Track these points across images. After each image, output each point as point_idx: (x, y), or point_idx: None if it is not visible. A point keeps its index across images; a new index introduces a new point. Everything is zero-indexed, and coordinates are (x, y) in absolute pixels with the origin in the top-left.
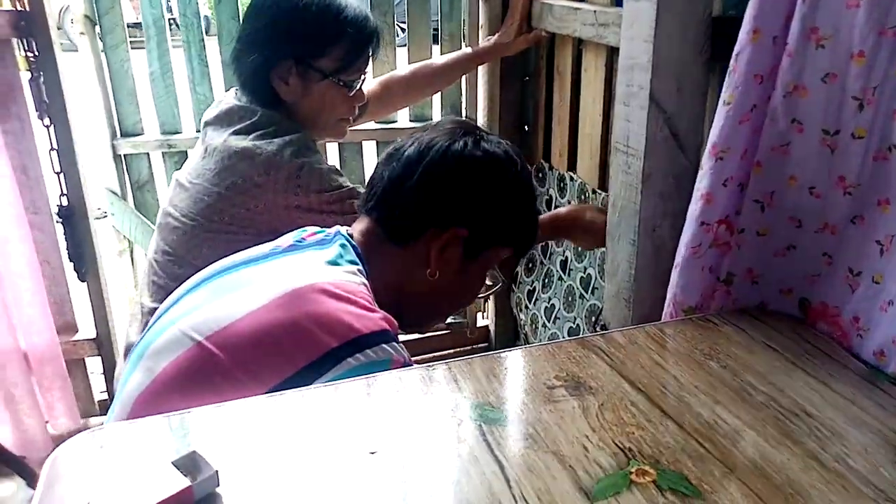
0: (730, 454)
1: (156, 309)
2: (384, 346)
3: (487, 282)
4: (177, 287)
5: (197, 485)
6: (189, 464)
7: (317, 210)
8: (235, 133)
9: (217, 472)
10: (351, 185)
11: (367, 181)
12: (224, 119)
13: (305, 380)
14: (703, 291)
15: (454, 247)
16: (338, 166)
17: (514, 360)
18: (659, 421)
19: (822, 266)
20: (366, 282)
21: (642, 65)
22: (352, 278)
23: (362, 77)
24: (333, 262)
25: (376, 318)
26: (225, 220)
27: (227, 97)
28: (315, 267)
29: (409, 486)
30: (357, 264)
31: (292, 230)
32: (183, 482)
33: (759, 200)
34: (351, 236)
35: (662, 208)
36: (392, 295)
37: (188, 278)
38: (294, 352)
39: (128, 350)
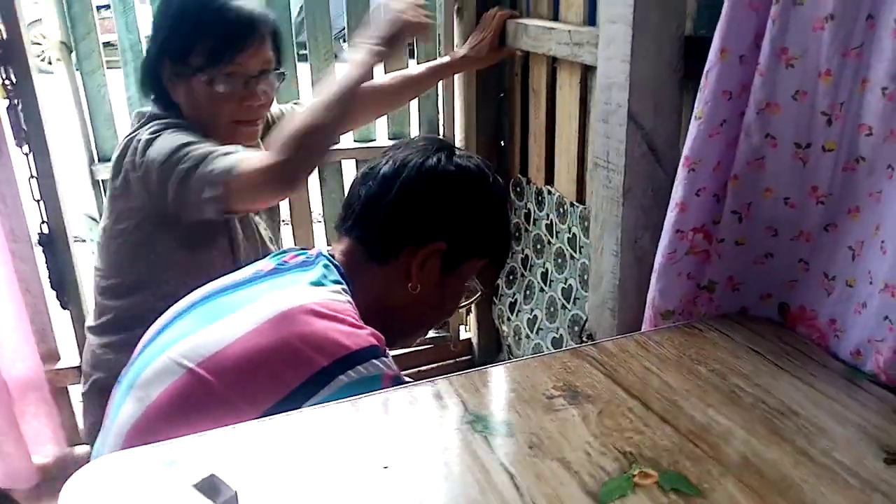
0: (725, 454)
1: (92, 327)
2: (374, 361)
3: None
4: (103, 302)
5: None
6: (209, 486)
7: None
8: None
9: (236, 493)
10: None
11: (343, 201)
12: (128, 132)
13: (299, 400)
14: (682, 297)
15: (433, 260)
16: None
17: (512, 373)
18: (656, 425)
19: (798, 272)
20: (351, 300)
21: (620, 83)
22: (337, 297)
23: (243, 73)
24: (318, 283)
25: (365, 335)
26: (114, 217)
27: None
28: (300, 288)
29: (424, 497)
30: (341, 283)
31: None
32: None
33: (736, 211)
34: (332, 256)
35: (643, 220)
36: (376, 312)
37: (113, 287)
38: (286, 373)
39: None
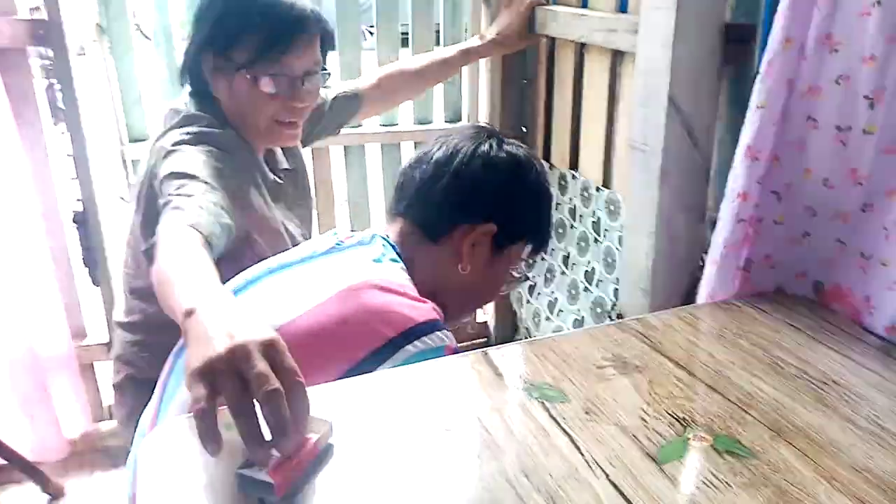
0: (774, 419)
1: (122, 324)
2: (438, 333)
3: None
4: (133, 300)
5: (320, 438)
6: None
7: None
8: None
9: (332, 423)
10: (181, 195)
11: (396, 184)
12: (160, 128)
13: (368, 369)
14: (734, 283)
15: (484, 243)
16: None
17: (561, 345)
18: (704, 393)
19: (835, 251)
20: (409, 277)
21: (660, 68)
22: (398, 273)
23: (289, 74)
24: (378, 260)
25: (428, 308)
26: (140, 217)
27: (171, 103)
28: (362, 265)
29: (488, 457)
30: (398, 262)
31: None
32: (302, 435)
33: (776, 191)
34: (386, 237)
35: (678, 202)
36: (428, 291)
37: (143, 289)
38: (355, 343)
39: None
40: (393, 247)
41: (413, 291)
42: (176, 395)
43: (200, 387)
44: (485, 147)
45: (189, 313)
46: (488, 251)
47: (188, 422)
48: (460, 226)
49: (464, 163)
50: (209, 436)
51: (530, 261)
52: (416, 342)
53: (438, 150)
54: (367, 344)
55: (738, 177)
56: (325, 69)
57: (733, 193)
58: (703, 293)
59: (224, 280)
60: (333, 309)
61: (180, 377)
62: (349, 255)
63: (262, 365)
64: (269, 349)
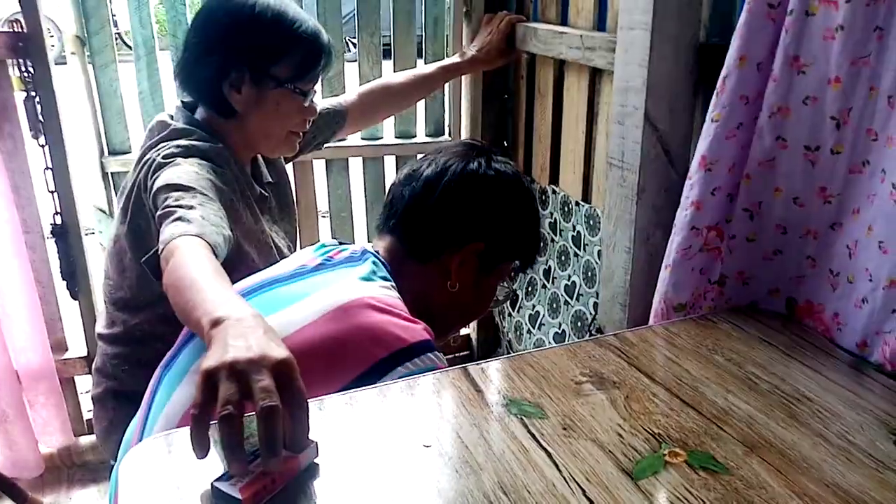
0: (747, 435)
1: (102, 335)
2: (430, 354)
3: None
4: (114, 312)
5: (302, 457)
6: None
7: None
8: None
9: (317, 443)
10: (179, 206)
11: (384, 201)
12: (146, 139)
13: (359, 388)
14: (694, 290)
15: (471, 260)
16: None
17: (539, 361)
18: (680, 409)
19: (806, 268)
20: (399, 296)
21: (637, 87)
22: (389, 293)
23: (314, 90)
24: (367, 279)
25: (419, 329)
26: (125, 228)
27: (158, 116)
28: (353, 283)
29: (467, 473)
30: (389, 280)
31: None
32: (289, 454)
33: (748, 209)
34: (376, 253)
35: (655, 219)
36: (417, 308)
37: (125, 300)
38: (346, 363)
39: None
40: (384, 264)
41: (404, 311)
42: (165, 407)
43: (204, 389)
44: (473, 165)
45: (216, 322)
46: (476, 268)
47: (170, 438)
48: (448, 245)
49: (452, 182)
50: (199, 440)
51: (515, 277)
52: (407, 363)
53: (428, 167)
54: (359, 364)
55: (692, 185)
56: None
57: (687, 202)
58: (657, 299)
59: None
60: (325, 328)
61: (169, 390)
62: (339, 274)
63: (268, 381)
64: (281, 367)
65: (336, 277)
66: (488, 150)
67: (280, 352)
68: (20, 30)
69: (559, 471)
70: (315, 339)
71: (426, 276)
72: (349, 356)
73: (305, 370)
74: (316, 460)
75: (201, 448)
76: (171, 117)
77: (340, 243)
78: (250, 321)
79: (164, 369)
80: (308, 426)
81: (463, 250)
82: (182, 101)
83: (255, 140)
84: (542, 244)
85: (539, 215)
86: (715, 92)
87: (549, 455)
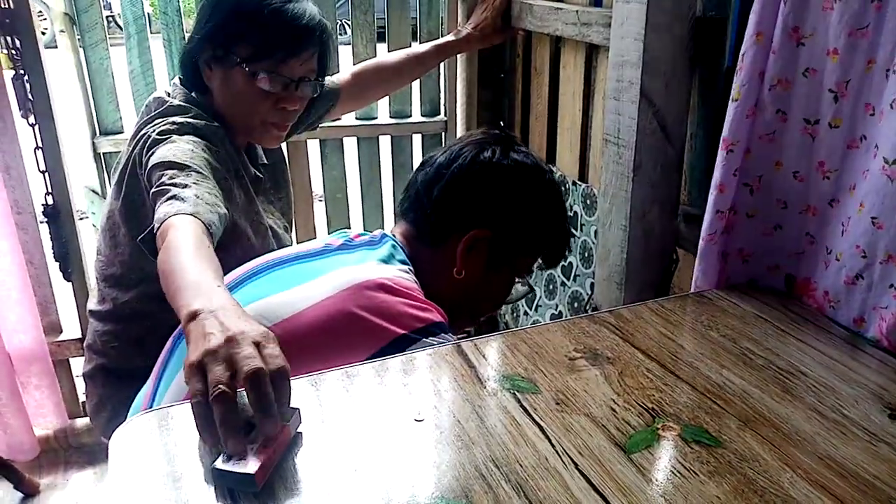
0: (741, 409)
1: (94, 312)
2: (444, 335)
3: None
4: (105, 289)
5: (289, 425)
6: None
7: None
8: (139, 127)
9: (299, 409)
10: (170, 183)
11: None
12: (142, 115)
13: None
14: (719, 274)
15: (479, 248)
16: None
17: (534, 337)
18: (674, 384)
19: (805, 244)
20: (416, 280)
21: (633, 61)
22: (406, 276)
23: (287, 76)
24: (385, 261)
25: (434, 311)
26: (118, 204)
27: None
28: (371, 264)
29: (461, 448)
30: (407, 264)
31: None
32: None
33: (748, 184)
34: (394, 237)
35: (651, 195)
36: (431, 293)
37: (116, 277)
38: (361, 340)
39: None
40: (402, 248)
41: (420, 294)
42: (176, 376)
43: (196, 381)
44: (487, 153)
45: (193, 316)
46: (485, 259)
47: (160, 416)
48: (454, 231)
49: (462, 168)
50: (206, 427)
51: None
52: (420, 342)
53: (442, 154)
54: (374, 341)
55: (717, 168)
56: (319, 79)
57: (714, 185)
58: (693, 286)
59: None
60: (342, 304)
61: (180, 361)
62: (359, 255)
63: (249, 349)
64: (259, 338)
65: (355, 258)
66: (509, 139)
67: (256, 327)
68: (6, 5)
69: (552, 444)
70: (331, 314)
71: (435, 263)
72: (364, 332)
73: (320, 344)
74: (313, 433)
75: (211, 434)
76: (168, 94)
77: (363, 231)
78: (226, 310)
79: (176, 339)
80: (289, 386)
81: (468, 235)
82: (179, 79)
83: (233, 124)
84: (567, 241)
85: (563, 210)
86: (736, 70)
87: (542, 429)
